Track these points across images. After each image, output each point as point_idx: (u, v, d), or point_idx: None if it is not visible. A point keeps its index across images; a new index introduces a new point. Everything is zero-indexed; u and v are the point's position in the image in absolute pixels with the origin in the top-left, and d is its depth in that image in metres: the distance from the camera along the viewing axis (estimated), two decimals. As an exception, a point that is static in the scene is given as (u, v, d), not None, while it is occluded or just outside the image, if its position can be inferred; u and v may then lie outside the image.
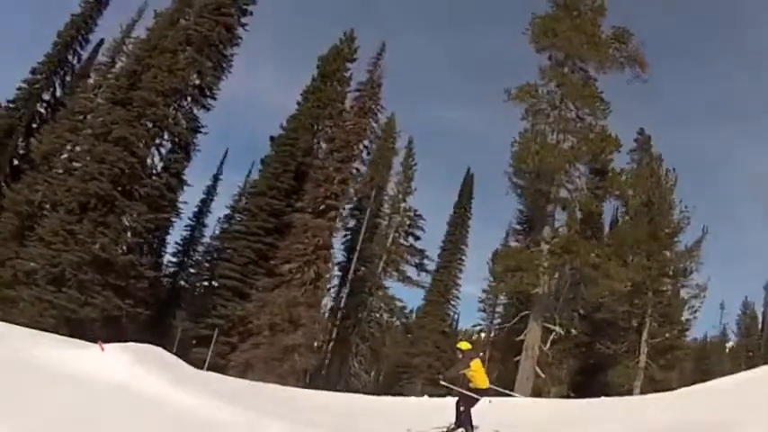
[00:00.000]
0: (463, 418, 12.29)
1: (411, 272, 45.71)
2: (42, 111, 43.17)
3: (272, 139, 41.89)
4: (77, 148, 37.21)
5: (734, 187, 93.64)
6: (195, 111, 37.54)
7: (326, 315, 41.43)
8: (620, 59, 37.88)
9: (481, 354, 13.29)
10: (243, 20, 38.60)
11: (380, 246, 45.12)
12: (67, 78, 43.72)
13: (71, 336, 29.23)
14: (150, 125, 36.42)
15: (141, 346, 16.03)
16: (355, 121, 37.97)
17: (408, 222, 45.67)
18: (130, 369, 12.71)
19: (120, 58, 40.14)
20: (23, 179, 38.58)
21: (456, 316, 51.62)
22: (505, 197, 37.54)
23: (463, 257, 50.64)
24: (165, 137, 36.60)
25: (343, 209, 37.81)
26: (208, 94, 37.65)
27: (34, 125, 43.01)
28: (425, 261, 45.81)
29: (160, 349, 18.97)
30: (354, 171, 37.57)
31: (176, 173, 36.73)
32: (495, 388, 13.79)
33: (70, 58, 43.66)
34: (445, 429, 12.73)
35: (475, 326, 52.31)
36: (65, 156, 37.67)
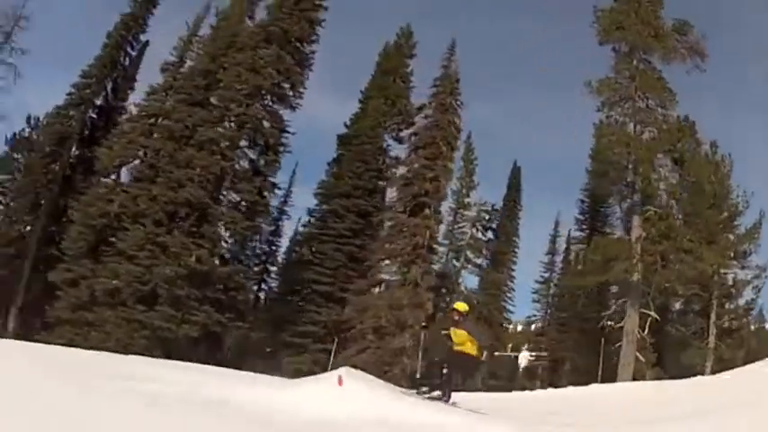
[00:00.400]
0: (445, 382, 11.56)
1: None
2: (95, 116, 39.81)
3: (339, 138, 40.04)
4: (159, 154, 34.19)
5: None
6: (281, 111, 34.91)
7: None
8: (681, 50, 37.62)
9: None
10: (319, 15, 36.26)
11: (451, 241, 43.87)
12: (119, 81, 40.54)
13: (168, 357, 27.11)
14: (236, 126, 34.00)
15: (352, 371, 13.91)
16: (437, 117, 36.36)
17: (487, 217, 44.47)
18: (375, 399, 10.51)
19: (188, 57, 37.15)
20: (92, 190, 35.49)
21: (512, 308, 50.48)
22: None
23: (516, 250, 49.75)
24: (253, 138, 34.06)
25: (439, 207, 35.89)
26: (293, 92, 35.25)
27: (86, 132, 39.78)
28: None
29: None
30: (444, 167, 35.74)
31: (267, 176, 34.33)
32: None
33: (121, 59, 40.37)
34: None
35: (530, 317, 51.61)
36: (139, 162, 34.68)
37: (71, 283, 34.66)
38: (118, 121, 40.00)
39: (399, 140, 39.02)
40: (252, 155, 34.74)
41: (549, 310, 49.55)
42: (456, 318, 11.69)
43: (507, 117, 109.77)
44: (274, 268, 42.23)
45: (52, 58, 72.81)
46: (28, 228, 38.81)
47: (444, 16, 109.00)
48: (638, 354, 35.09)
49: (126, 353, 30.12)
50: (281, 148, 34.72)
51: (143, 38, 41.08)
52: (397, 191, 36.46)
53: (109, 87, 40.19)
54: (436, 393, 11.57)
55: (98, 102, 40.11)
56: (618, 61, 36.71)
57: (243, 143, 34.57)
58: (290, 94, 35.34)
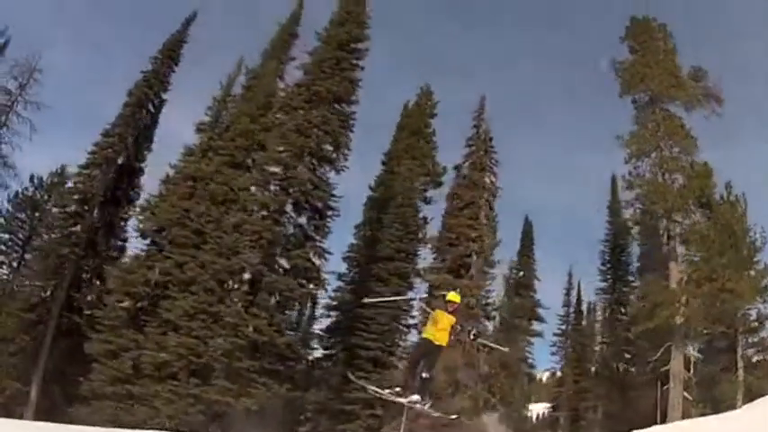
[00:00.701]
0: (426, 385, 11.79)
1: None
2: (116, 177, 38.16)
3: (370, 200, 39.64)
4: (203, 218, 32.97)
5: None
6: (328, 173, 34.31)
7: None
8: (698, 97, 38.97)
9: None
10: (357, 75, 35.92)
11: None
12: (140, 140, 39.00)
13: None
14: (282, 190, 33.17)
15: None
16: (474, 176, 36.44)
17: (521, 274, 44.54)
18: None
19: (224, 117, 36.10)
20: (133, 255, 33.96)
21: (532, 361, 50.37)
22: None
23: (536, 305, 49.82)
24: (302, 202, 33.27)
25: (484, 267, 35.79)
26: (337, 154, 34.66)
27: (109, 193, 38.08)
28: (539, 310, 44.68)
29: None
30: (486, 226, 35.73)
31: (318, 241, 33.54)
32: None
33: (143, 118, 38.88)
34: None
35: (548, 370, 51.82)
36: (181, 228, 33.36)
37: (111, 355, 32.94)
38: (137, 183, 38.59)
39: (426, 201, 38.64)
40: (300, 219, 33.59)
41: (564, 361, 49.70)
42: (450, 309, 11.88)
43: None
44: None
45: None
46: (49, 292, 36.47)
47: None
48: (685, 393, 35.95)
49: (180, 429, 29.25)
50: (330, 212, 33.80)
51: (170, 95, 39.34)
52: (440, 252, 36.06)
53: (131, 147, 38.30)
54: (415, 397, 11.74)
55: (120, 161, 38.05)
56: (640, 112, 37.65)
57: (290, 207, 33.36)
58: (335, 156, 34.48)
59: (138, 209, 34.77)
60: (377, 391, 13.29)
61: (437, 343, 11.54)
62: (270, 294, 31.65)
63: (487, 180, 36.37)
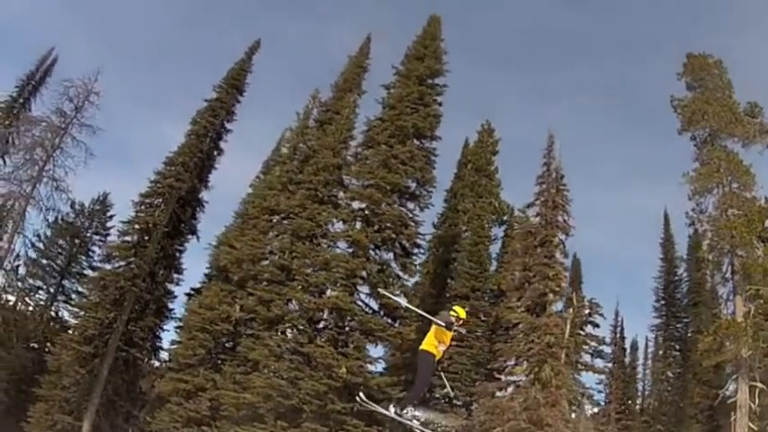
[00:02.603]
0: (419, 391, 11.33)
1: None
2: (177, 206, 35.24)
3: (437, 239, 37.78)
4: (288, 254, 30.48)
5: None
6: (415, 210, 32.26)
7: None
8: (755, 133, 38.66)
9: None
10: (439, 109, 34.13)
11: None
12: (204, 171, 36.17)
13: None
14: (370, 226, 30.96)
15: None
16: (548, 215, 34.96)
17: (588, 311, 42.87)
18: None
19: (300, 150, 33.72)
20: (211, 290, 31.07)
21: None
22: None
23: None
24: (391, 239, 31.10)
25: (562, 305, 34.23)
26: (421, 191, 32.69)
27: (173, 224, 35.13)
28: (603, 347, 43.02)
29: None
30: (562, 265, 34.23)
31: (405, 280, 31.42)
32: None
33: (207, 148, 36.08)
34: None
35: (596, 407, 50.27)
36: (265, 264, 30.79)
37: (184, 395, 30.04)
38: (198, 214, 35.86)
39: (494, 239, 37.04)
40: (386, 256, 31.38)
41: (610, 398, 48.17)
42: (457, 324, 11.06)
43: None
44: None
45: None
46: (107, 324, 33.18)
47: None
48: (750, 425, 35.09)
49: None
50: (417, 250, 31.71)
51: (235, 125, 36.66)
52: (518, 291, 34.33)
53: (194, 177, 35.45)
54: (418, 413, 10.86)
55: (182, 192, 35.15)
56: (700, 149, 36.79)
57: (379, 242, 31.14)
58: (419, 192, 32.49)
59: (214, 243, 31.63)
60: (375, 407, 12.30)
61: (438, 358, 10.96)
62: (362, 334, 29.11)
63: (560, 219, 34.77)
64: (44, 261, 40.43)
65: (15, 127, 37.50)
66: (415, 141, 32.91)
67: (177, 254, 35.50)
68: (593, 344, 38.60)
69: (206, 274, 37.58)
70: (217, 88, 36.61)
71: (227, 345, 30.55)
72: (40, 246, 40.00)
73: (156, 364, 37.13)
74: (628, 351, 45.80)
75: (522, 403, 31.96)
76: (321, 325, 29.91)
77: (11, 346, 36.53)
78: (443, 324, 10.74)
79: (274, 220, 31.96)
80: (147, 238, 34.02)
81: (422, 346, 10.86)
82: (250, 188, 40.04)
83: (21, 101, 39.50)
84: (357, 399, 12.75)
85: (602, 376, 42.80)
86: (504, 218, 37.50)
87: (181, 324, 36.99)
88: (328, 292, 29.64)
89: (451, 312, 11.12)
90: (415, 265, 31.51)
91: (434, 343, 10.81)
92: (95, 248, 41.12)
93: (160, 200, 34.53)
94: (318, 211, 30.98)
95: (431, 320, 11.06)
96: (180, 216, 35.12)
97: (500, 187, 38.53)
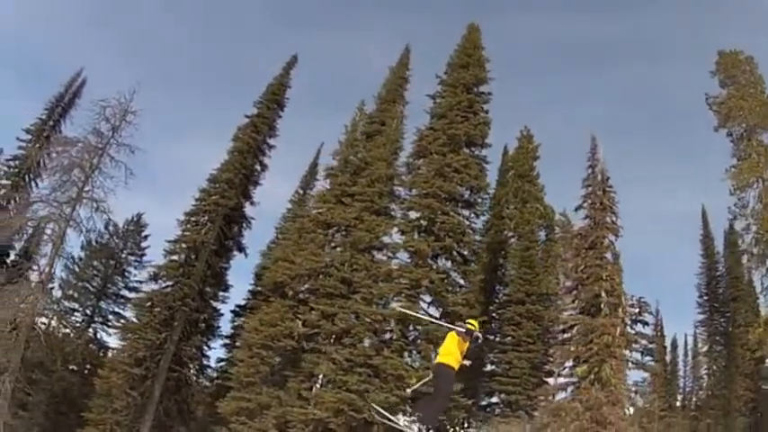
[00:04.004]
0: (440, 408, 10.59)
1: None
2: (224, 223, 34.12)
3: (482, 246, 37.14)
4: (347, 266, 29.55)
5: None
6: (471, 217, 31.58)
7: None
8: None
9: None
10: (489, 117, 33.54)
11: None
12: (249, 187, 35.10)
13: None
14: (431, 236, 30.19)
15: None
16: (596, 217, 34.42)
17: (637, 310, 42.25)
18: None
19: (351, 161, 32.81)
20: (271, 307, 29.95)
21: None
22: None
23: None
24: (452, 248, 30.36)
25: (622, 306, 33.59)
26: (477, 198, 32.01)
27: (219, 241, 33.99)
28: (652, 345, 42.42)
29: None
30: (614, 266, 33.68)
31: (464, 287, 30.67)
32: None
33: (252, 164, 35.06)
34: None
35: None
36: (326, 278, 29.80)
37: (247, 413, 28.87)
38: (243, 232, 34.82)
39: (541, 243, 36.41)
40: (445, 265, 30.61)
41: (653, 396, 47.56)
42: (469, 335, 10.24)
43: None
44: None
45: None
46: (157, 345, 31.88)
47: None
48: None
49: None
50: (474, 258, 30.95)
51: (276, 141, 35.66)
52: (573, 292, 33.71)
53: (240, 194, 34.39)
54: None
55: (228, 208, 34.06)
56: (737, 145, 36.48)
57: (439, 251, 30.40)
58: (473, 200, 31.80)
59: (259, 259, 30.69)
60: (392, 421, 11.38)
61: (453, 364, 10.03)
62: (429, 343, 28.22)
63: (609, 220, 34.24)
64: (79, 283, 38.91)
65: (48, 149, 36.22)
66: (467, 150, 32.15)
67: (223, 271, 34.20)
68: (644, 342, 38.13)
69: (251, 291, 36.48)
70: (257, 104, 35.61)
71: (290, 361, 29.18)
72: (75, 268, 38.54)
73: (206, 383, 35.79)
74: (668, 348, 45.38)
75: (585, 403, 31.35)
76: (386, 336, 28.90)
77: (54, 370, 35.05)
78: (464, 332, 10.02)
79: (330, 233, 30.68)
80: (194, 256, 32.70)
81: (440, 360, 9.94)
82: (290, 203, 39.16)
83: (51, 123, 38.32)
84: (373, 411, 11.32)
85: (646, 374, 42.34)
86: (552, 222, 36.76)
87: (228, 342, 35.91)
88: (392, 304, 28.66)
89: (468, 325, 10.39)
90: (474, 273, 30.56)
91: (456, 355, 9.95)
92: (131, 269, 39.74)
93: (206, 218, 33.23)
94: (377, 222, 30.00)
95: (452, 329, 10.33)
96: (226, 233, 33.90)
97: (543, 192, 37.83)
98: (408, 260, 29.94)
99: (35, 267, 31.76)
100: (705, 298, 43.10)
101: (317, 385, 28.80)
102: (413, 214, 30.99)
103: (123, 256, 39.75)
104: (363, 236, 29.90)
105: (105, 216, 32.70)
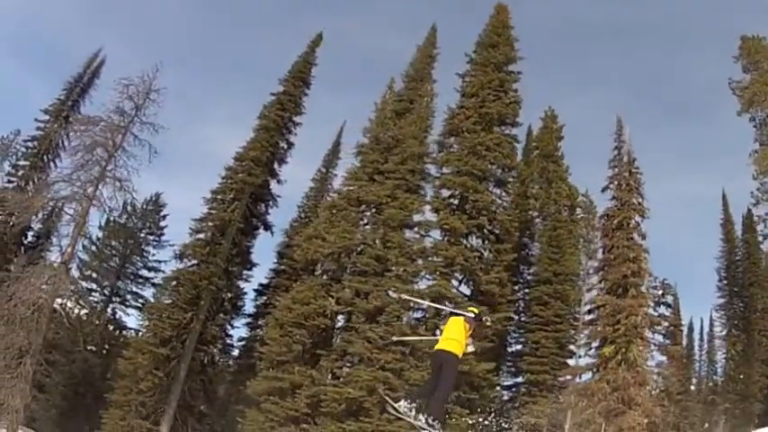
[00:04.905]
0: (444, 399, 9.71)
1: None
2: (250, 201, 33.27)
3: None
4: (382, 243, 28.81)
5: None
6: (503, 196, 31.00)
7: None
8: None
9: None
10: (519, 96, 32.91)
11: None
12: (275, 165, 34.25)
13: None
14: (465, 214, 29.57)
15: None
16: (623, 198, 33.94)
17: (661, 292, 41.82)
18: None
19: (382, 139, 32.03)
20: (304, 285, 29.19)
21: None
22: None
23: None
24: (485, 226, 29.76)
25: (648, 286, 33.19)
26: (508, 177, 31.42)
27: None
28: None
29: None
30: (641, 247, 33.22)
31: (501, 267, 30.07)
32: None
33: (279, 142, 34.21)
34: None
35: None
36: (360, 255, 29.08)
37: (279, 393, 28.11)
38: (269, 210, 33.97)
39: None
40: (477, 243, 30.00)
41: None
42: (478, 321, 9.76)
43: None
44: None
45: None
46: (184, 325, 30.99)
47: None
48: None
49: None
50: (508, 237, 30.35)
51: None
52: (600, 273, 33.24)
53: (267, 172, 33.56)
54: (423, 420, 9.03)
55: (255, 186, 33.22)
56: (760, 130, 36.08)
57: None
58: (504, 179, 31.20)
59: (303, 236, 29.76)
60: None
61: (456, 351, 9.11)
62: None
63: (635, 201, 33.78)
64: (97, 263, 37.91)
65: (67, 129, 35.18)
66: (498, 128, 31.53)
67: (249, 250, 33.40)
68: (665, 324, 37.81)
69: (274, 270, 35.68)
70: (283, 81, 34.69)
71: (323, 339, 28.46)
72: (93, 248, 37.56)
73: (228, 363, 35.04)
74: (685, 332, 45.06)
75: (612, 384, 30.94)
76: (420, 314, 28.26)
77: (72, 351, 34.10)
78: (474, 318, 9.38)
79: (362, 211, 29.96)
80: (221, 234, 31.81)
81: (446, 347, 8.97)
82: (312, 182, 38.43)
83: (69, 103, 37.22)
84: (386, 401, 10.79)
85: (663, 357, 41.96)
86: (578, 202, 36.27)
87: (250, 321, 35.16)
88: (425, 282, 28.03)
89: (470, 310, 9.89)
90: (507, 251, 29.96)
91: (462, 343, 9.12)
92: (149, 249, 38.76)
93: (232, 195, 32.36)
94: (410, 200, 29.29)
95: (460, 314, 9.59)
96: (252, 211, 33.07)
97: (568, 172, 37.32)
98: (441, 238, 29.17)
99: (56, 248, 30.66)
100: (725, 282, 42.79)
101: (350, 364, 28.04)
102: (444, 192, 30.14)
103: (142, 235, 38.75)
104: (396, 213, 29.18)
105: (129, 195, 31.57)
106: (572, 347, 32.91)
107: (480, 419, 27.91)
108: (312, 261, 29.43)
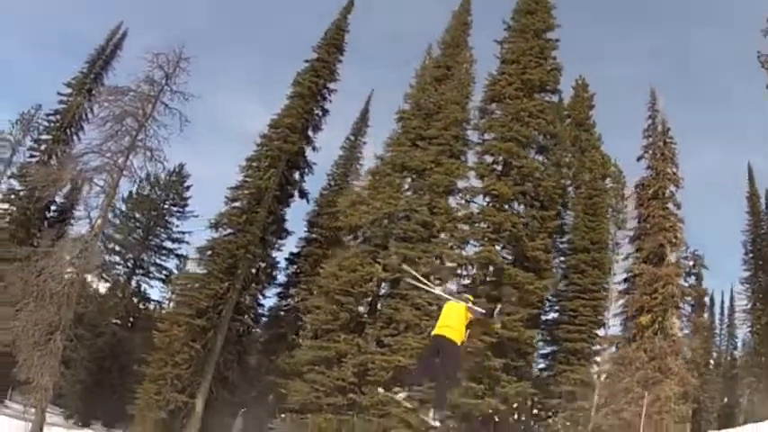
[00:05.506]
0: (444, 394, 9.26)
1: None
2: (286, 168, 32.43)
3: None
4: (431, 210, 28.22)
5: None
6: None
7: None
8: None
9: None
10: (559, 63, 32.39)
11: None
12: (310, 132, 33.42)
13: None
14: (511, 180, 29.02)
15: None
16: (658, 167, 33.68)
17: (692, 263, 41.54)
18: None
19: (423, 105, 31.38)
20: (350, 252, 28.49)
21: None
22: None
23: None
24: (530, 193, 29.24)
25: (679, 256, 32.98)
26: (551, 144, 30.94)
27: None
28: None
29: None
30: (676, 216, 33.03)
31: (551, 233, 29.74)
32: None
33: (314, 110, 33.36)
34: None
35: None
36: (406, 222, 28.41)
37: (324, 362, 27.43)
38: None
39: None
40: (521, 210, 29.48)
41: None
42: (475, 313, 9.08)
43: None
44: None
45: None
46: (220, 295, 30.09)
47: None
48: None
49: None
50: (552, 204, 29.91)
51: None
52: (636, 242, 32.97)
53: (303, 139, 32.70)
54: None
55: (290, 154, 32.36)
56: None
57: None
58: (547, 146, 30.71)
59: (346, 203, 29.00)
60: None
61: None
62: (515, 288, 27.08)
63: (670, 171, 33.53)
64: (119, 236, 36.76)
65: (90, 102, 34.07)
66: (539, 95, 31.01)
67: (283, 218, 32.59)
68: (695, 295, 37.69)
69: (305, 238, 34.86)
70: (317, 48, 33.75)
71: (369, 307, 27.80)
72: (117, 221, 36.43)
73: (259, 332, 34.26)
74: (706, 306, 44.92)
75: (649, 353, 30.70)
76: (468, 281, 27.68)
77: (102, 324, 33.03)
78: (477, 310, 8.89)
79: (405, 177, 29.30)
80: (257, 202, 30.90)
81: (445, 333, 8.48)
82: (341, 150, 37.66)
83: (92, 76, 36.11)
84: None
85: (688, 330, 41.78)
86: (610, 171, 35.92)
87: (282, 290, 34.43)
88: (471, 248, 27.47)
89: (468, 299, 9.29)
90: (551, 217, 29.54)
91: (462, 331, 8.66)
92: (173, 220, 37.62)
93: (266, 163, 31.44)
94: (456, 165, 28.67)
95: (461, 302, 9.06)
96: (288, 178, 32.20)
97: (600, 141, 36.92)
98: (485, 204, 28.62)
99: (83, 221, 29.48)
100: (750, 255, 42.73)
101: (397, 332, 27.38)
102: (488, 159, 29.54)
103: (165, 207, 37.59)
104: (442, 179, 28.57)
105: (160, 165, 30.48)
106: (606, 315, 32.48)
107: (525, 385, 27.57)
108: (356, 227, 28.63)
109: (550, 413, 31.74)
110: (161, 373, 29.02)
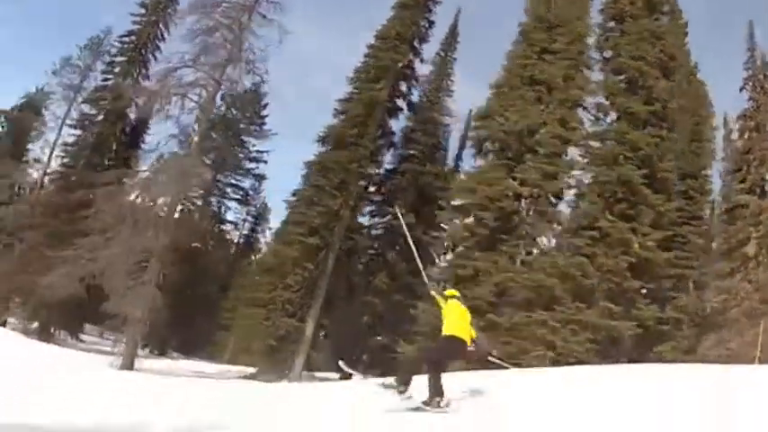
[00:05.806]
0: (429, 385, 8.02)
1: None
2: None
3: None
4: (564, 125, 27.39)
5: None
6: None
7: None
8: None
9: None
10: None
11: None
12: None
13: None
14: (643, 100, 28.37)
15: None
16: (760, 99, 33.77)
17: None
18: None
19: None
20: (488, 165, 27.41)
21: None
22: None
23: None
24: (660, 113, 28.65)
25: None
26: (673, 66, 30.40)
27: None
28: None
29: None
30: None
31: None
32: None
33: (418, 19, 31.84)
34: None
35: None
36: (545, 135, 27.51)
37: (462, 281, 26.28)
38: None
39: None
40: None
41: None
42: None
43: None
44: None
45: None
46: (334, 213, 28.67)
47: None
48: None
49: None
50: (677, 126, 29.62)
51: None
52: (738, 173, 32.97)
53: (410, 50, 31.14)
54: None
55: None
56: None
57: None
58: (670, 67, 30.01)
59: (474, 116, 27.76)
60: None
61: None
62: (650, 208, 26.58)
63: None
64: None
65: (166, 20, 31.78)
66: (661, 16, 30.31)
67: (392, 132, 31.13)
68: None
69: (400, 154, 33.33)
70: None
71: (506, 224, 26.71)
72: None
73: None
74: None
75: (754, 284, 30.88)
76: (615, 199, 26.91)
77: (188, 248, 30.96)
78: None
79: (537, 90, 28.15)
80: (368, 115, 29.28)
81: (456, 333, 8.22)
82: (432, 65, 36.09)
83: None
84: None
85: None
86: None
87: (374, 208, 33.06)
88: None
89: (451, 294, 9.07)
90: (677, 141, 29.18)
91: (465, 326, 8.34)
92: (250, 139, 35.33)
93: (373, 74, 29.79)
94: (587, 80, 27.76)
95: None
96: (397, 90, 30.65)
97: (697, 68, 36.56)
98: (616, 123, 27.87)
99: (173, 139, 27.18)
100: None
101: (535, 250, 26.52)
102: (613, 77, 28.68)
103: (242, 126, 35.22)
104: (575, 94, 27.57)
105: (258, 78, 28.44)
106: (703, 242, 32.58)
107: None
108: (490, 140, 27.43)
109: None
110: (271, 297, 27.51)
